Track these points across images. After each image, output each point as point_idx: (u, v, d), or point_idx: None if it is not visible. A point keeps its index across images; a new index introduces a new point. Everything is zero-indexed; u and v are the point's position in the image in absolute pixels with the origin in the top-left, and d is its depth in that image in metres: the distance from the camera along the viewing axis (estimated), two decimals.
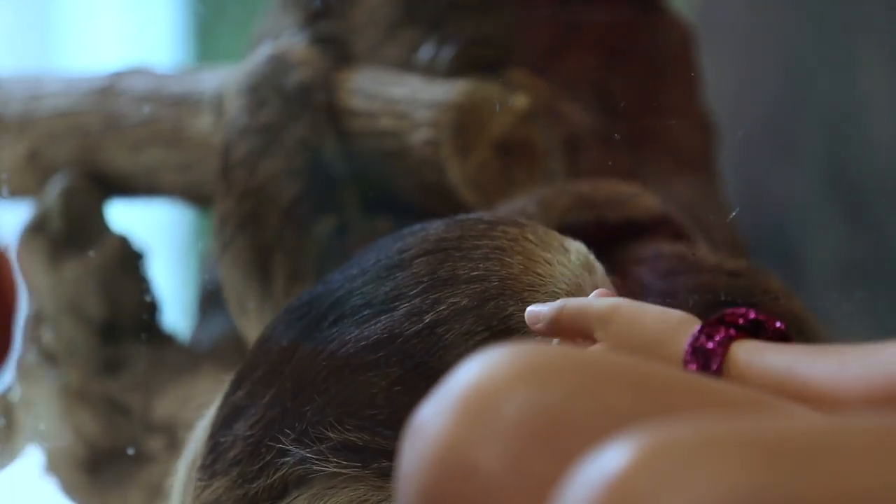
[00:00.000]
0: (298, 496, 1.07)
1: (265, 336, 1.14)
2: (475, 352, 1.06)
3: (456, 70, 1.41)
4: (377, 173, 1.40)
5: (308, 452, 1.06)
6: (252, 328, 1.37)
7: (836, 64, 1.92)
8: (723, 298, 1.24)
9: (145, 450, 1.50)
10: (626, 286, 1.23)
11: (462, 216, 1.16)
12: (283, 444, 1.07)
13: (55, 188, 1.53)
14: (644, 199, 1.34)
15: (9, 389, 1.53)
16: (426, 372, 1.08)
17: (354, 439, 1.07)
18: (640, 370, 0.81)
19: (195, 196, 1.52)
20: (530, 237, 1.12)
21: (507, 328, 1.08)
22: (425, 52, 1.44)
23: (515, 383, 0.77)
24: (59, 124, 1.53)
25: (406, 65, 1.44)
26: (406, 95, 1.39)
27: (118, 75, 1.53)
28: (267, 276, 1.37)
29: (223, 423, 1.12)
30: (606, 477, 0.68)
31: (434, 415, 0.77)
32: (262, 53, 1.42)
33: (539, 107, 1.40)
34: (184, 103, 1.49)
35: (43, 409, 1.52)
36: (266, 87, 1.39)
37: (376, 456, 1.06)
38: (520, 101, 1.39)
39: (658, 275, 1.26)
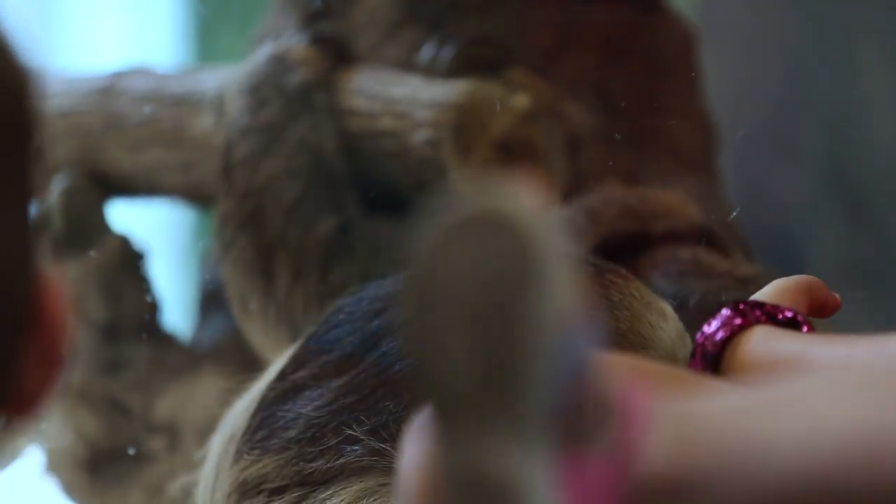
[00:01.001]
0: (349, 486, 1.06)
1: (333, 321, 1.14)
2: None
3: (456, 70, 1.41)
4: (378, 173, 1.40)
5: (384, 445, 1.06)
6: (254, 328, 1.37)
7: (837, 64, 1.92)
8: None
9: (146, 450, 1.50)
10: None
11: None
12: (356, 432, 1.07)
13: (56, 188, 1.53)
14: (687, 210, 1.34)
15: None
16: None
17: None
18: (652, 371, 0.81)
19: (196, 196, 1.52)
20: (635, 294, 1.12)
21: None
22: (426, 52, 1.44)
23: None
24: (59, 124, 1.53)
25: (407, 65, 1.44)
26: (406, 95, 1.39)
27: (119, 75, 1.53)
28: (269, 276, 1.37)
29: (281, 399, 1.11)
30: None
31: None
32: (262, 53, 1.42)
33: (540, 107, 1.40)
34: (184, 103, 1.49)
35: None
36: (267, 87, 1.39)
37: None
38: (520, 100, 1.39)
39: (669, 278, 1.26)
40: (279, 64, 1.40)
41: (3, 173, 0.69)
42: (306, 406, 1.10)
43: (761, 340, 0.96)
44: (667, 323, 1.12)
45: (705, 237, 1.32)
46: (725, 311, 0.98)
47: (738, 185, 1.84)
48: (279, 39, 1.44)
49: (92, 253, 1.51)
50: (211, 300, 1.53)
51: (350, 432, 1.07)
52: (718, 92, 1.63)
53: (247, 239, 1.38)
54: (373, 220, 1.40)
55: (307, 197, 1.38)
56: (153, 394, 1.51)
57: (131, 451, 1.50)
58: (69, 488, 1.52)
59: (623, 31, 1.52)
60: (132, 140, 1.51)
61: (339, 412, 1.08)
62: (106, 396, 1.51)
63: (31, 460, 1.53)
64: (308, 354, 1.13)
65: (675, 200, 1.35)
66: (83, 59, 2.15)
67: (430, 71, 1.42)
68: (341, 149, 1.40)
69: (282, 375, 1.13)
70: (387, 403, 1.07)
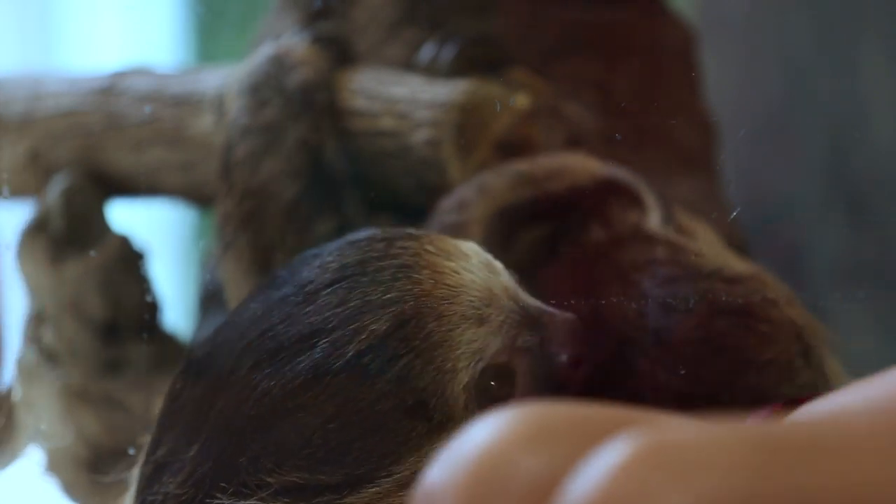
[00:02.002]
0: None
1: (175, 391, 1.13)
2: (402, 376, 1.07)
3: (457, 70, 1.41)
4: (378, 173, 1.40)
5: (252, 501, 1.05)
6: None
7: (838, 64, 1.92)
8: (729, 305, 1.24)
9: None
10: (626, 293, 1.23)
11: (352, 237, 1.15)
12: (222, 499, 1.06)
13: (56, 188, 1.52)
14: (587, 164, 1.32)
15: (9, 389, 1.53)
16: (358, 405, 1.07)
17: (295, 479, 1.06)
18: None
19: (196, 196, 1.52)
20: (430, 248, 1.12)
21: (430, 345, 1.08)
22: (426, 51, 1.44)
23: (527, 447, 0.74)
24: (59, 124, 1.53)
25: (407, 65, 1.44)
26: (407, 95, 1.39)
27: (119, 75, 1.53)
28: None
29: (147, 484, 1.10)
30: (601, 479, 0.67)
31: (442, 482, 0.75)
32: (262, 53, 1.42)
33: (540, 106, 1.40)
34: (185, 103, 1.49)
35: (43, 409, 1.51)
36: (267, 87, 1.39)
37: (318, 492, 1.06)
38: (521, 100, 1.39)
39: (656, 283, 1.26)
40: (279, 64, 1.40)
41: None
42: (169, 485, 1.08)
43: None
44: (470, 261, 1.12)
45: (610, 189, 1.31)
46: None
47: (739, 184, 1.84)
48: (279, 39, 1.44)
49: (92, 253, 1.51)
50: (211, 300, 1.53)
51: (217, 502, 1.06)
52: (718, 92, 1.63)
53: (246, 239, 1.38)
54: (373, 220, 1.40)
55: (307, 197, 1.38)
56: (153, 394, 1.50)
57: (131, 451, 1.50)
58: (69, 488, 1.52)
59: (623, 31, 1.52)
60: (133, 140, 1.51)
61: (200, 483, 1.07)
62: (106, 396, 1.51)
63: (31, 460, 1.53)
64: (163, 430, 1.12)
65: (571, 157, 1.34)
66: (83, 59, 2.15)
67: (431, 71, 1.42)
68: (341, 149, 1.40)
69: (146, 458, 1.12)
70: (240, 459, 1.06)
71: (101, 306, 1.51)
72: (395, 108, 1.39)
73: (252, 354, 1.09)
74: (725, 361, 1.22)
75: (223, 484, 1.06)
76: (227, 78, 1.46)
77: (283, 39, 1.43)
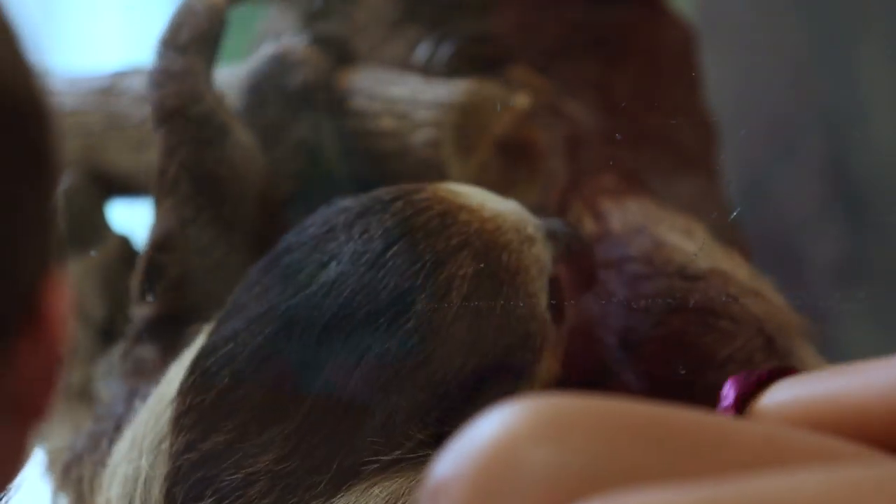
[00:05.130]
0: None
1: (215, 387, 1.12)
2: (506, 309, 1.08)
3: (455, 68, 1.41)
4: (378, 173, 1.40)
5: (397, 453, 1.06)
6: None
7: (837, 64, 1.92)
8: (687, 303, 1.25)
9: None
10: (594, 291, 1.24)
11: (357, 205, 1.16)
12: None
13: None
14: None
15: None
16: (481, 346, 1.09)
17: (437, 430, 1.08)
18: (665, 422, 0.79)
19: None
20: (445, 194, 1.15)
21: (511, 274, 1.12)
22: (422, 50, 1.44)
23: (537, 440, 0.74)
24: (60, 124, 1.53)
25: (407, 65, 1.44)
26: (407, 95, 1.39)
27: (119, 75, 1.53)
28: None
29: (191, 470, 1.10)
30: None
31: (453, 475, 0.75)
32: (263, 53, 1.42)
33: (540, 106, 1.40)
34: None
35: None
36: (267, 87, 1.39)
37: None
38: (521, 100, 1.38)
39: (623, 280, 1.26)
40: (279, 64, 1.40)
41: (22, 166, 0.69)
42: (257, 460, 1.09)
43: (783, 389, 0.95)
44: (483, 194, 1.16)
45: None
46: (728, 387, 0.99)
47: (739, 184, 1.84)
48: (279, 39, 1.44)
49: (92, 252, 1.51)
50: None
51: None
52: (719, 92, 1.63)
53: (246, 238, 1.37)
54: None
55: (307, 197, 1.38)
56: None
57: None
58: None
59: (623, 31, 1.52)
60: (133, 140, 1.51)
61: (307, 453, 1.08)
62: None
63: (31, 460, 1.52)
64: (201, 425, 1.11)
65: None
66: (83, 59, 2.15)
67: (428, 70, 1.42)
68: (341, 149, 1.40)
69: (186, 448, 1.11)
70: (362, 430, 1.07)
71: (102, 306, 1.51)
72: (395, 109, 1.39)
73: (342, 330, 1.09)
74: (683, 359, 1.23)
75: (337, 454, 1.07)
76: (227, 78, 1.46)
77: (284, 39, 1.43)
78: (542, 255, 1.15)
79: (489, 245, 1.12)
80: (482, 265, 1.11)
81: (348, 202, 1.18)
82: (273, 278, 1.14)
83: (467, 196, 1.16)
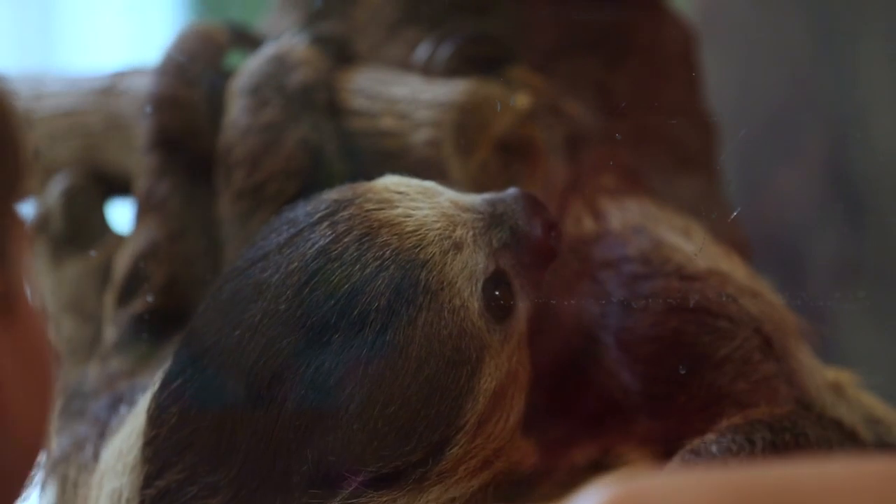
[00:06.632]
0: None
1: (170, 420, 1.12)
2: (427, 334, 1.07)
3: (454, 68, 1.41)
4: (378, 173, 1.40)
5: (337, 501, 1.06)
6: None
7: (838, 64, 1.92)
8: (685, 303, 1.25)
9: None
10: (593, 291, 1.24)
11: (282, 232, 1.15)
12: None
13: (57, 188, 1.53)
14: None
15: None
16: (405, 380, 1.08)
17: (375, 469, 1.08)
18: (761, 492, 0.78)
19: None
20: (369, 206, 1.14)
21: (432, 293, 1.10)
22: (422, 50, 1.44)
23: None
24: (60, 124, 1.53)
25: (407, 65, 1.44)
26: (407, 95, 1.39)
27: (119, 75, 1.53)
28: None
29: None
30: None
31: None
32: (263, 53, 1.42)
33: (540, 106, 1.40)
34: None
35: None
36: (267, 87, 1.39)
37: (404, 473, 1.08)
38: (521, 100, 1.39)
39: (621, 281, 1.26)
40: (279, 64, 1.40)
41: None
42: (209, 500, 1.09)
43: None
44: (410, 198, 1.16)
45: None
46: None
47: (739, 184, 1.84)
48: (279, 39, 1.44)
49: (92, 252, 1.51)
50: None
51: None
52: (719, 92, 1.63)
53: (244, 237, 1.38)
54: None
55: (306, 197, 1.38)
56: None
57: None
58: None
59: (623, 31, 1.52)
60: (133, 140, 1.51)
61: (250, 500, 1.08)
62: None
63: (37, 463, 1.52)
64: (163, 459, 1.11)
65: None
66: (83, 59, 2.15)
67: (428, 70, 1.42)
68: (341, 149, 1.40)
69: (146, 482, 1.11)
70: (300, 470, 1.07)
71: (101, 306, 1.51)
72: (395, 108, 1.39)
73: (265, 372, 1.09)
74: (679, 359, 1.23)
75: (280, 496, 1.06)
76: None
77: (284, 39, 1.43)
78: (472, 259, 1.13)
79: (407, 267, 1.10)
80: (395, 294, 1.08)
81: (289, 214, 1.17)
82: (216, 310, 1.13)
83: (393, 206, 1.14)
